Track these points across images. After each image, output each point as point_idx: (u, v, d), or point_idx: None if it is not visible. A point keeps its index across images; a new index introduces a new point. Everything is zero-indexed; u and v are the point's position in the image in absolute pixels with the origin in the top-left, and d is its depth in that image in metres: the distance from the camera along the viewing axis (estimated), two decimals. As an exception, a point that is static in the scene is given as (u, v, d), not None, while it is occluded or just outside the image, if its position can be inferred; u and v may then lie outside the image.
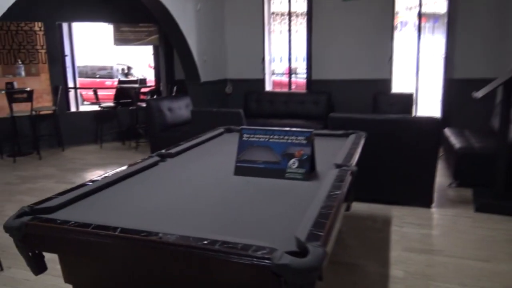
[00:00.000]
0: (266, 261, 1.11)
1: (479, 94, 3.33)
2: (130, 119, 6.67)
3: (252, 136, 2.08)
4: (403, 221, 3.19)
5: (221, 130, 3.22)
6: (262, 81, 6.87)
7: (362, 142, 2.74)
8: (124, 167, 2.09)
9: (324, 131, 3.13)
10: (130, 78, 12.23)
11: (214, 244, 1.19)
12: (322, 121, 6.04)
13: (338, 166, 2.11)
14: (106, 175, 1.95)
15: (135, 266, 1.38)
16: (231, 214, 1.55)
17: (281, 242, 1.26)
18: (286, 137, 2.03)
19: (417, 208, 3.47)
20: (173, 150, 2.47)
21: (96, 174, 4.73)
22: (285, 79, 7.18)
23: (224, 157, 2.40)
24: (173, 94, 6.74)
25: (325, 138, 2.97)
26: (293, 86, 7.06)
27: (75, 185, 1.80)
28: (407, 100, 5.91)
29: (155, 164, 2.25)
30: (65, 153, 6.03)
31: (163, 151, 2.46)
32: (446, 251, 2.67)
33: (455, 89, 5.89)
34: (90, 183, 1.82)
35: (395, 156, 3.49)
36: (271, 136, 2.05)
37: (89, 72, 13.39)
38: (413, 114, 5.96)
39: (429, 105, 8.44)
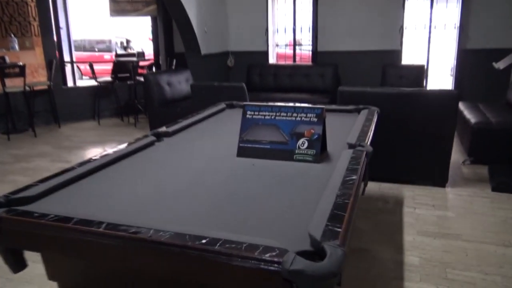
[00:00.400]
0: (276, 265, 0.94)
1: (500, 64, 3.10)
2: (128, 94, 6.45)
3: (256, 113, 1.89)
4: (417, 202, 3.02)
5: (222, 105, 3.02)
6: (265, 54, 6.60)
7: (375, 118, 2.55)
8: (115, 149, 1.91)
9: (334, 107, 2.92)
10: (129, 51, 11.93)
11: (214, 243, 1.01)
12: (328, 94, 5.82)
13: (351, 146, 1.92)
14: (95, 157, 1.77)
15: (124, 267, 1.21)
16: (234, 205, 1.37)
17: (292, 240, 1.09)
18: (294, 114, 1.83)
19: (430, 187, 3.29)
20: (170, 129, 2.28)
21: (93, 152, 4.58)
22: (289, 51, 6.91)
23: (226, 136, 2.21)
24: (173, 67, 6.50)
25: (335, 114, 2.77)
26: (297, 59, 6.79)
27: (68, 166, 1.63)
28: (418, 73, 5.66)
29: (150, 144, 2.06)
30: (61, 130, 5.86)
31: (159, 129, 2.27)
32: (464, 235, 2.51)
33: (469, 60, 5.62)
34: (77, 167, 1.64)
35: (408, 132, 3.29)
36: (278, 113, 1.86)
37: (87, 46, 13.08)
38: (425, 87, 5.72)
39: (441, 77, 8.20)
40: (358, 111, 2.82)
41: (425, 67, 5.78)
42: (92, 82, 6.46)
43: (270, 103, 1.90)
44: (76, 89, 6.74)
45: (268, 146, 1.83)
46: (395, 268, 2.19)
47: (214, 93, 3.96)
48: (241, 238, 1.05)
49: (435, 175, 3.31)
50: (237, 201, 1.39)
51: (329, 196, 1.31)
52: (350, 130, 2.22)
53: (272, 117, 1.86)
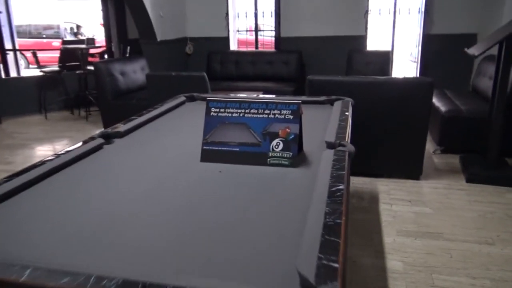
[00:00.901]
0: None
1: (475, 50, 2.98)
2: (78, 85, 5.97)
3: (222, 110, 1.63)
4: (392, 197, 2.88)
5: (182, 98, 2.73)
6: (226, 40, 6.29)
7: (350, 111, 2.35)
8: (52, 157, 1.60)
9: (304, 98, 2.70)
10: (80, 38, 11.24)
11: (175, 297, 0.76)
12: (293, 83, 5.62)
13: (330, 145, 1.71)
14: (25, 170, 1.45)
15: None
16: (198, 232, 1.11)
17: (277, 281, 0.86)
18: (267, 111, 1.59)
19: (404, 180, 3.17)
20: (122, 128, 1.98)
21: (39, 152, 4.17)
22: (250, 37, 6.64)
23: (187, 136, 1.94)
24: (127, 55, 6.07)
25: (306, 107, 2.55)
26: (259, 46, 6.53)
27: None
28: (384, 59, 5.56)
29: (97, 148, 1.76)
30: (3, 126, 5.33)
31: (108, 129, 1.96)
32: (445, 234, 2.38)
33: (433, 46, 5.57)
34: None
35: (381, 122, 3.14)
36: (247, 110, 1.61)
37: (33, 32, 12.22)
38: (390, 73, 5.63)
39: (403, 64, 8.20)
40: (331, 102, 2.62)
41: (391, 53, 5.69)
42: (38, 72, 5.93)
43: (238, 98, 1.65)
44: (19, 79, 6.18)
45: (237, 149, 1.58)
46: (378, 276, 2.02)
47: (172, 83, 3.66)
48: (210, 285, 0.81)
49: (409, 167, 3.19)
50: (202, 226, 1.13)
51: (316, 214, 1.09)
52: (325, 126, 2.01)
53: (241, 114, 1.61)
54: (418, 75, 5.77)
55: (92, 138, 1.83)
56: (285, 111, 1.58)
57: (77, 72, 5.76)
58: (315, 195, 1.21)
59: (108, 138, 1.89)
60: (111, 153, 1.74)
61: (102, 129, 1.98)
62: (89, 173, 1.51)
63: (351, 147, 1.66)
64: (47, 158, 1.57)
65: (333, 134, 1.82)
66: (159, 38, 5.49)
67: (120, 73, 4.83)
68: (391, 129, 3.13)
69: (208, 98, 1.65)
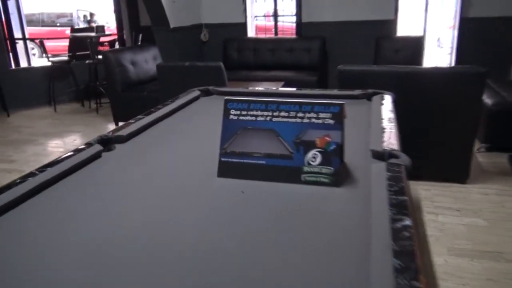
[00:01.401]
0: None
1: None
2: (88, 76, 5.73)
3: (244, 112, 1.32)
4: (437, 205, 2.54)
5: (196, 93, 2.42)
6: (243, 26, 5.95)
7: (393, 108, 2.01)
8: (40, 168, 1.31)
9: (336, 92, 2.37)
10: (93, 25, 11.03)
11: None
12: (315, 72, 5.26)
13: (377, 155, 1.38)
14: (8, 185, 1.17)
15: None
16: (215, 273, 0.81)
17: None
18: (300, 114, 1.27)
19: (449, 184, 2.82)
20: (124, 131, 1.69)
21: (45, 149, 3.93)
22: (269, 23, 6.28)
23: (201, 141, 1.64)
24: (139, 43, 5.79)
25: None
26: (278, 33, 6.17)
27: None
28: (415, 46, 5.15)
29: (94, 157, 1.47)
30: (10, 120, 5.14)
31: (109, 133, 1.68)
32: (506, 254, 2.05)
33: (470, 30, 5.12)
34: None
35: (423, 117, 2.78)
36: (276, 113, 1.29)
37: (46, 20, 12.06)
38: (422, 62, 5.21)
39: (434, 50, 7.72)
40: (367, 97, 2.28)
41: (423, 39, 5.27)
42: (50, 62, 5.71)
43: (263, 97, 1.33)
44: (28, 70, 5.97)
45: (263, 162, 1.27)
46: (430, 308, 1.70)
47: (186, 74, 3.35)
48: None
49: (455, 169, 2.83)
50: (221, 271, 0.83)
51: (380, 271, 0.77)
52: (365, 128, 1.69)
53: (268, 118, 1.29)
54: (453, 63, 5.34)
55: (89, 145, 1.54)
56: (323, 114, 1.25)
57: (87, 62, 5.51)
58: (374, 238, 0.89)
59: (108, 143, 1.60)
60: (110, 164, 1.44)
61: (111, 127, 1.69)
62: (79, 193, 1.22)
63: (406, 159, 1.33)
64: (39, 167, 1.29)
65: (379, 141, 1.49)
66: (172, 25, 5.19)
67: (130, 63, 4.56)
68: (435, 125, 2.77)
69: (226, 98, 1.33)
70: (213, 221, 1.05)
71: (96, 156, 1.48)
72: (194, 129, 1.81)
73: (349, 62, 5.45)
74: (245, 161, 1.28)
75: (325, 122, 1.25)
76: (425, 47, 5.43)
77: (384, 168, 1.25)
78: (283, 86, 4.35)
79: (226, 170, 1.29)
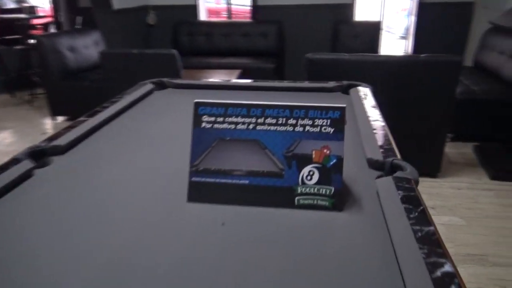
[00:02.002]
0: None
1: None
2: (19, 63, 5.13)
3: (220, 118, 1.05)
4: (413, 204, 2.41)
5: (148, 86, 2.11)
6: (193, 8, 5.58)
7: (376, 103, 1.83)
8: None
9: (307, 84, 2.15)
10: (24, 6, 10.08)
11: None
12: (273, 58, 5.03)
13: (377, 165, 1.18)
14: None
15: None
16: None
17: None
18: (292, 121, 1.03)
19: (421, 179, 2.69)
20: (62, 140, 1.37)
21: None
22: (220, 5, 5.95)
23: (161, 149, 1.36)
24: (78, 27, 5.27)
25: (311, 96, 2.01)
26: (232, 16, 5.86)
27: None
28: (373, 31, 5.05)
29: (23, 178, 1.15)
30: None
31: (42, 143, 1.35)
32: (490, 256, 1.95)
33: (428, 15, 5.10)
34: None
35: (397, 109, 2.64)
36: (260, 119, 1.04)
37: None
38: (380, 48, 5.13)
39: (387, 36, 7.73)
40: (343, 90, 2.08)
41: (381, 24, 5.18)
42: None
43: (246, 101, 1.07)
44: None
45: (246, 182, 1.02)
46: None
47: (134, 63, 3.00)
48: None
49: (427, 162, 2.72)
50: None
51: None
52: (351, 128, 1.48)
53: (251, 125, 1.04)
54: (410, 50, 5.31)
55: (16, 161, 1.21)
56: (321, 120, 1.02)
57: (17, 47, 4.93)
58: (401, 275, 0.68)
59: (41, 157, 1.28)
60: (44, 186, 1.13)
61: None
62: (4, 225, 0.91)
63: (414, 171, 1.13)
64: None
65: (375, 147, 1.29)
66: (115, 6, 4.73)
67: (69, 49, 4.09)
68: (407, 117, 2.63)
69: (196, 101, 1.06)
70: (184, 269, 0.79)
71: (26, 176, 1.16)
72: (151, 134, 1.52)
73: (307, 48, 5.29)
74: (222, 181, 1.02)
75: (323, 131, 1.01)
76: (382, 32, 5.36)
77: (392, 184, 1.04)
78: (240, 74, 4.09)
79: (198, 193, 1.03)
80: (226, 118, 1.04)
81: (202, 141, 1.04)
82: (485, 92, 3.25)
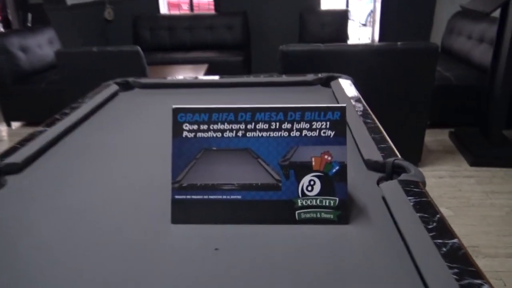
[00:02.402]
0: None
1: (483, 7, 2.47)
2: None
3: (204, 126, 0.92)
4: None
5: (113, 87, 1.94)
6: (153, 2, 5.35)
7: (360, 96, 1.74)
8: None
9: (285, 78, 2.03)
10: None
11: None
12: (239, 51, 4.89)
13: (377, 166, 1.09)
14: None
15: None
16: None
17: None
18: (286, 125, 0.91)
19: (402, 170, 2.66)
20: (18, 156, 1.20)
21: None
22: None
23: (135, 161, 1.21)
24: (28, 24, 4.94)
25: (290, 90, 1.91)
26: (194, 8, 5.67)
27: None
28: (340, 19, 4.99)
29: (-29, 205, 0.98)
30: None
31: (-6, 160, 1.18)
32: (482, 247, 1.91)
33: (392, 1, 5.08)
34: None
35: (374, 98, 2.56)
36: (251, 124, 0.91)
37: None
38: (348, 36, 5.09)
39: (353, 23, 7.73)
40: (322, 82, 1.99)
41: (347, 12, 5.13)
42: None
43: (232, 105, 0.94)
44: None
45: (239, 197, 0.90)
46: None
47: (94, 62, 2.79)
48: None
49: (408, 152, 2.67)
50: None
51: None
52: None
53: (240, 132, 0.91)
54: (376, 37, 5.29)
55: (-39, 184, 1.04)
56: (319, 123, 0.90)
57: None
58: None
59: (-6, 177, 1.11)
60: (1, 212, 0.97)
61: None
62: None
63: (419, 172, 1.04)
64: None
65: (371, 146, 1.19)
66: (69, 1, 4.45)
67: (20, 49, 3.81)
68: (386, 107, 2.57)
69: (175, 107, 0.92)
70: (185, 318, 0.66)
71: (-24, 202, 1.00)
72: (120, 144, 1.36)
73: (274, 39, 5.17)
74: (211, 197, 0.90)
75: (322, 135, 0.90)
76: (349, 21, 5.32)
77: (399, 189, 0.94)
78: (208, 70, 3.93)
79: (183, 213, 0.90)
80: (211, 125, 0.91)
81: (184, 153, 0.91)
82: (459, 78, 3.25)
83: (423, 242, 0.77)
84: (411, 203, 0.88)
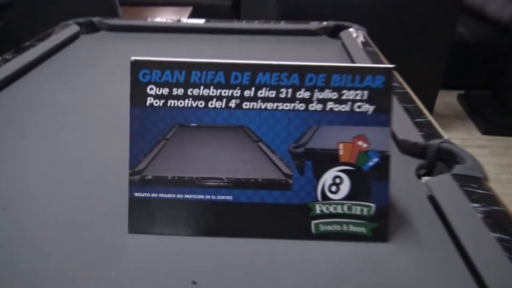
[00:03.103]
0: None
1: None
2: None
3: (178, 90, 0.61)
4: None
5: (73, 28, 1.59)
6: None
7: (379, 52, 1.44)
8: None
9: (283, 25, 1.70)
10: None
11: None
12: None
13: (412, 149, 0.82)
14: None
15: None
16: None
17: None
18: (303, 93, 0.61)
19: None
20: None
21: None
22: None
23: (88, 135, 0.91)
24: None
25: (290, 40, 1.60)
26: None
27: None
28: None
29: None
30: None
31: None
32: None
33: None
34: None
35: (385, 55, 2.27)
36: (249, 90, 0.61)
37: None
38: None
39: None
40: (328, 32, 1.67)
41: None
42: None
43: (222, 60, 0.63)
44: None
45: (229, 198, 0.61)
46: None
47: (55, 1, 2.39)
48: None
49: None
50: None
51: None
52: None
53: (233, 102, 0.61)
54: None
55: None
56: (353, 91, 0.61)
57: None
58: None
59: None
60: None
61: None
62: None
63: (476, 162, 0.76)
64: None
65: (406, 122, 0.91)
66: None
67: (-26, -20, 3.32)
68: (399, 64, 2.27)
69: (134, 59, 0.61)
70: None
71: None
72: (73, 102, 1.05)
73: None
74: (187, 197, 0.61)
75: (356, 110, 0.61)
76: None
77: (456, 190, 0.67)
78: (192, 13, 3.53)
79: (146, 219, 0.61)
80: (190, 90, 0.61)
81: (148, 130, 0.61)
82: (474, 34, 2.94)
83: (504, 274, 0.51)
84: (480, 214, 0.62)
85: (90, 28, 1.66)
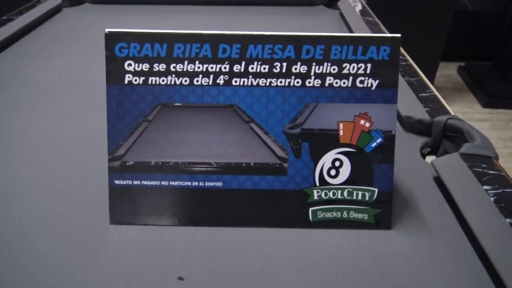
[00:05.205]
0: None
1: None
2: None
3: (159, 65, 0.55)
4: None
5: (54, 0, 1.50)
6: None
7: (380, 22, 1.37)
8: None
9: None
10: None
11: None
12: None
13: (416, 126, 0.77)
14: None
15: None
16: None
17: None
18: (300, 66, 0.55)
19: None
20: None
21: None
22: None
23: (69, 115, 0.85)
24: None
25: (283, 11, 1.52)
26: None
27: None
28: None
29: None
30: None
31: None
32: None
33: None
34: None
35: (384, 24, 2.19)
36: (238, 64, 0.55)
37: None
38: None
39: None
40: (325, 2, 1.59)
41: None
42: None
43: (208, 31, 0.57)
44: None
45: (219, 184, 0.56)
46: None
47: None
48: None
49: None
50: None
51: None
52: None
53: (221, 78, 0.55)
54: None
55: None
56: (354, 64, 0.55)
57: None
58: None
59: None
60: None
61: None
62: None
63: (486, 140, 0.72)
64: None
65: (411, 97, 0.85)
66: None
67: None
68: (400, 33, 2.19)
69: (109, 31, 0.55)
70: None
71: None
72: (53, 79, 0.98)
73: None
74: (173, 184, 0.56)
75: (359, 85, 0.55)
76: None
77: (463, 168, 0.62)
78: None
79: (128, 207, 0.56)
80: (172, 65, 0.55)
81: (128, 111, 0.56)
82: (478, 4, 2.85)
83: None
84: (491, 197, 0.57)
85: (73, 1, 1.57)
